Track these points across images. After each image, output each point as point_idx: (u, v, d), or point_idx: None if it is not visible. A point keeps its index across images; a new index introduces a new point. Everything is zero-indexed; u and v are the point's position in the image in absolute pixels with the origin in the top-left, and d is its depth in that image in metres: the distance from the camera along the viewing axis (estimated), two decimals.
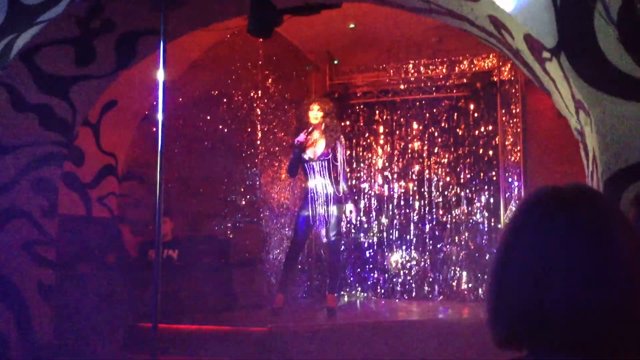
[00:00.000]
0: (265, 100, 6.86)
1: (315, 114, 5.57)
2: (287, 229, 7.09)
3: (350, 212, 5.58)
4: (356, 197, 7.02)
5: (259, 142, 6.76)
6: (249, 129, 6.79)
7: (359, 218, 6.88)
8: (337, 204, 5.52)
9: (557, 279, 0.86)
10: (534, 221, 0.94)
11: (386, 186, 7.27)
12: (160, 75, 4.10)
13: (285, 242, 7.04)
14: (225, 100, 6.85)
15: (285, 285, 5.73)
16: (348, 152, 5.91)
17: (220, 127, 6.83)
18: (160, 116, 3.99)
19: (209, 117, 6.87)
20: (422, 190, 7.13)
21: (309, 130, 5.63)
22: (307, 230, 5.65)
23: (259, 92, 6.80)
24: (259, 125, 6.79)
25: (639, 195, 2.67)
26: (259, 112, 6.80)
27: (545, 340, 0.86)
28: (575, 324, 0.84)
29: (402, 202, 7.09)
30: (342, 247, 6.48)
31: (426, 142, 7.20)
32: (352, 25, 6.62)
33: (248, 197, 6.75)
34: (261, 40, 6.07)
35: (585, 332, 0.84)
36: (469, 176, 6.99)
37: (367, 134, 7.45)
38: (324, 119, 5.57)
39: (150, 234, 6.28)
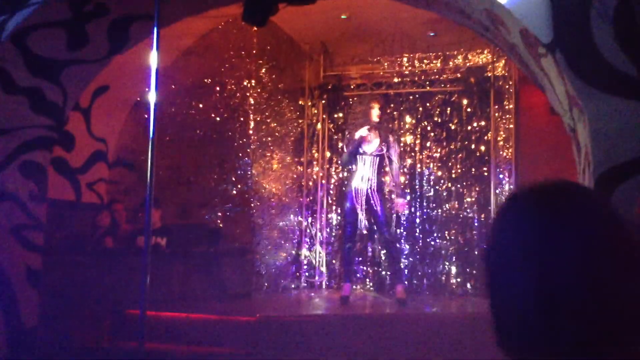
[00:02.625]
0: (259, 90, 6.82)
1: (376, 112, 5.89)
2: (277, 220, 7.08)
3: (401, 205, 6.04)
4: (407, 192, 7.12)
5: (251, 132, 6.73)
6: (242, 119, 6.75)
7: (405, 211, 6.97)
8: (385, 198, 5.78)
9: (539, 274, 0.84)
10: (514, 218, 0.92)
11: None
12: (153, 61, 4.06)
13: (276, 233, 7.04)
14: (218, 88, 6.81)
15: (349, 275, 6.04)
16: (399, 150, 6.25)
17: (213, 115, 6.79)
18: (152, 103, 3.96)
19: (201, 105, 6.82)
20: (414, 183, 7.14)
21: (369, 127, 5.85)
22: (356, 222, 5.80)
23: (252, 81, 6.76)
24: (251, 115, 6.75)
25: None
26: (252, 102, 6.77)
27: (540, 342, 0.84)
28: (561, 323, 0.82)
29: (392, 196, 7.09)
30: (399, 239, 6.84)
31: (419, 136, 7.20)
32: (344, 16, 6.60)
33: (239, 186, 6.72)
34: (255, 29, 6.06)
35: (573, 332, 0.82)
36: (460, 171, 7.00)
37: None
38: (381, 117, 5.94)
39: (140, 221, 6.25)
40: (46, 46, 4.38)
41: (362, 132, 5.82)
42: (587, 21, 3.13)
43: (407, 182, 7.15)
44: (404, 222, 7.11)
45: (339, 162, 7.21)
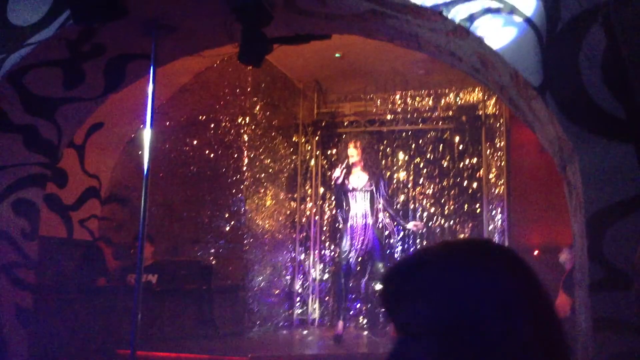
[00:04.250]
0: (253, 127, 6.87)
1: (351, 151, 5.92)
2: (270, 257, 7.05)
3: (415, 225, 6.11)
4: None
5: (245, 168, 6.75)
6: (236, 155, 6.78)
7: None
8: (380, 233, 5.74)
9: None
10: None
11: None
12: (149, 99, 4.10)
13: (269, 270, 7.00)
14: (212, 125, 6.85)
15: (343, 312, 5.98)
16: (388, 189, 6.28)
17: (207, 152, 6.82)
18: (147, 140, 3.98)
19: (195, 142, 6.86)
20: (407, 220, 7.14)
21: (343, 166, 5.92)
22: (350, 259, 5.79)
23: (247, 118, 6.81)
24: (245, 152, 6.79)
25: None
26: (246, 138, 6.81)
27: None
28: None
29: (385, 232, 7.09)
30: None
31: (411, 172, 7.25)
32: (338, 55, 6.70)
33: (232, 222, 6.71)
34: (250, 67, 6.13)
35: None
36: (453, 207, 7.04)
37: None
38: (362, 155, 5.93)
39: (131, 258, 6.21)
40: (42, 85, 4.41)
41: (336, 172, 5.94)
42: (576, 65, 3.20)
43: (399, 218, 7.15)
44: (398, 259, 7.10)
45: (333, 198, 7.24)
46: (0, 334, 4.29)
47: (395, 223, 6.35)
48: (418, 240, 7.09)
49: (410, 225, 6.10)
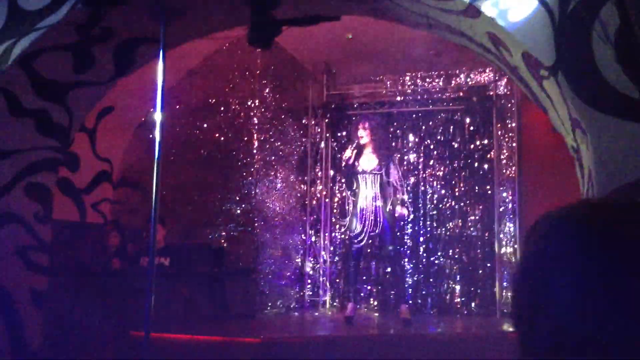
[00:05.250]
0: (262, 110, 6.86)
1: (361, 133, 5.86)
2: (281, 239, 7.09)
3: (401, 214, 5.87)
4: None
5: (255, 151, 6.76)
6: (246, 138, 6.79)
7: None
8: (390, 216, 5.75)
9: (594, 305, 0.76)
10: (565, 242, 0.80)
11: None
12: (159, 83, 4.10)
13: (280, 252, 7.04)
14: (222, 108, 6.85)
15: (354, 294, 6.00)
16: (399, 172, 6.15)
17: (217, 135, 6.83)
18: (158, 123, 4.00)
19: (205, 125, 6.87)
20: (417, 202, 7.14)
21: (354, 147, 5.88)
22: (361, 241, 5.80)
23: (256, 101, 6.81)
24: (255, 135, 6.79)
25: None
26: (256, 121, 6.81)
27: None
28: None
29: (396, 214, 7.08)
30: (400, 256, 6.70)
31: (422, 154, 7.22)
32: (349, 36, 6.65)
33: (243, 206, 6.74)
34: (259, 50, 6.11)
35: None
36: (463, 189, 7.01)
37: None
38: (372, 137, 5.85)
39: (143, 241, 6.27)
40: (53, 69, 4.42)
41: (346, 154, 5.91)
42: (589, 44, 3.16)
43: (410, 200, 7.15)
44: (408, 241, 7.11)
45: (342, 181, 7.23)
46: (16, 317, 4.36)
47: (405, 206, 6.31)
48: (429, 223, 7.08)
49: (399, 209, 5.84)
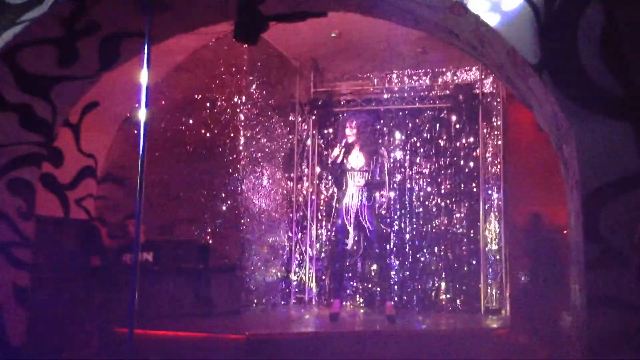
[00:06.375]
0: (249, 106, 6.84)
1: (348, 131, 5.86)
2: (267, 236, 7.07)
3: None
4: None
5: (241, 148, 6.74)
6: (232, 134, 6.76)
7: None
8: (375, 214, 5.81)
9: None
10: None
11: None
12: (143, 78, 4.06)
13: (266, 249, 7.03)
14: (208, 104, 6.81)
15: (339, 291, 6.06)
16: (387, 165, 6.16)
17: (203, 131, 6.79)
18: (142, 119, 3.96)
19: (191, 121, 6.82)
20: (403, 199, 7.16)
21: (342, 145, 5.85)
22: (347, 239, 5.81)
23: (243, 97, 6.78)
24: (241, 131, 6.77)
25: None
26: (242, 118, 6.78)
27: None
28: None
29: (382, 212, 7.10)
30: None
31: (408, 152, 7.24)
32: (334, 34, 6.65)
33: (229, 202, 6.70)
34: (246, 45, 6.08)
35: None
36: (449, 187, 7.05)
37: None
38: (358, 135, 5.87)
39: (122, 237, 6.23)
40: (36, 63, 4.37)
41: (335, 152, 5.90)
42: (574, 42, 3.18)
43: (396, 197, 7.17)
44: (394, 239, 7.13)
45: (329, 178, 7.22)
46: None
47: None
48: (415, 220, 7.11)
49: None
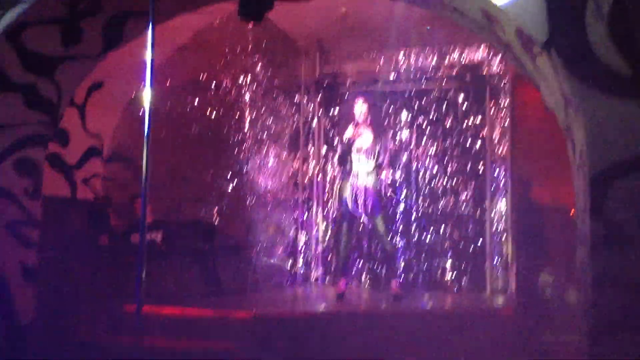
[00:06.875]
0: (254, 86, 6.82)
1: (360, 108, 5.82)
2: (273, 216, 7.09)
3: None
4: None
5: (247, 128, 6.73)
6: (237, 115, 6.75)
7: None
8: (380, 194, 5.80)
9: None
10: None
11: None
12: (148, 58, 4.05)
13: (272, 229, 7.05)
14: (213, 84, 6.80)
15: (345, 271, 6.05)
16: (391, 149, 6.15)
17: (208, 112, 6.79)
18: (147, 100, 3.95)
19: (196, 102, 6.81)
20: (409, 180, 7.15)
21: (355, 123, 5.80)
22: (352, 219, 5.82)
23: (248, 77, 6.76)
24: (247, 111, 6.76)
25: None
26: (248, 98, 6.76)
27: None
28: None
29: (388, 192, 7.09)
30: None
31: (414, 132, 7.21)
32: (344, 10, 6.57)
33: (235, 183, 6.72)
34: (251, 25, 6.04)
35: None
36: (455, 168, 7.02)
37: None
38: (367, 115, 5.84)
39: (129, 217, 6.26)
40: (41, 43, 4.36)
41: (348, 132, 5.83)
42: (582, 20, 3.14)
43: (402, 178, 7.16)
44: (399, 218, 7.13)
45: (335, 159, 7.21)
46: (7, 292, 4.35)
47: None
48: (420, 201, 7.10)
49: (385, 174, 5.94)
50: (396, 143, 7.13)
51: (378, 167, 5.88)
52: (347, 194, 5.79)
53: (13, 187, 4.51)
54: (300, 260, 7.41)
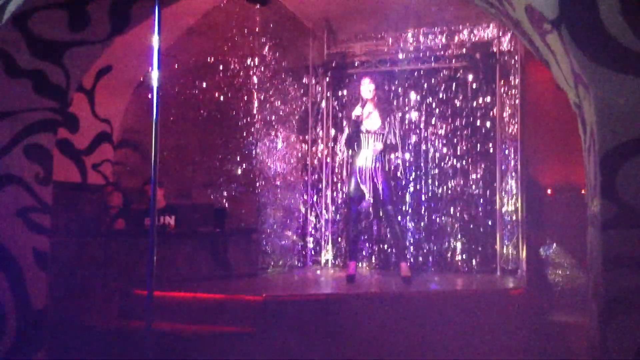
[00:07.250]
0: (262, 68, 6.79)
1: (367, 87, 5.76)
2: (283, 199, 7.10)
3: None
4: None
5: (255, 111, 6.72)
6: (246, 98, 6.73)
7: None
8: (389, 176, 5.78)
9: None
10: None
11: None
12: (155, 41, 4.03)
13: (281, 212, 7.07)
14: (221, 67, 6.78)
15: (355, 253, 6.04)
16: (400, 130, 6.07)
17: (216, 95, 6.78)
18: (155, 84, 3.94)
19: (204, 85, 6.80)
20: (419, 161, 7.12)
21: (364, 103, 5.75)
22: (361, 201, 5.80)
23: (256, 59, 6.73)
24: (255, 94, 6.74)
25: None
26: (256, 81, 6.74)
27: None
28: None
29: (398, 173, 7.08)
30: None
31: (423, 112, 7.16)
32: None
33: (244, 166, 6.73)
34: (258, 6, 5.99)
35: None
36: (465, 148, 6.98)
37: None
38: (376, 91, 5.80)
39: (141, 201, 6.29)
40: (48, 28, 4.35)
41: (356, 111, 5.76)
42: None
43: (411, 159, 7.13)
44: (409, 199, 7.11)
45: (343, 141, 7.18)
46: (19, 277, 4.40)
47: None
48: (430, 182, 7.07)
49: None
50: (405, 123, 7.09)
51: (387, 148, 5.84)
52: (357, 175, 5.76)
53: (24, 173, 4.53)
54: (310, 243, 7.43)
